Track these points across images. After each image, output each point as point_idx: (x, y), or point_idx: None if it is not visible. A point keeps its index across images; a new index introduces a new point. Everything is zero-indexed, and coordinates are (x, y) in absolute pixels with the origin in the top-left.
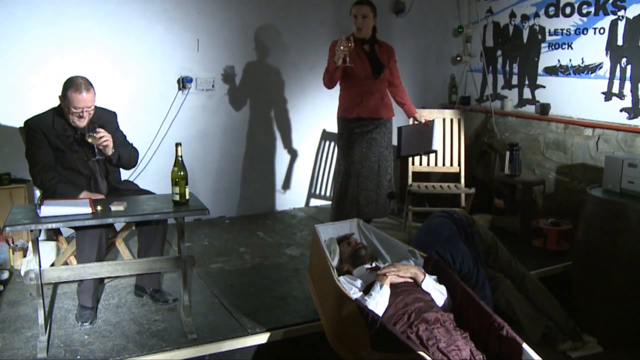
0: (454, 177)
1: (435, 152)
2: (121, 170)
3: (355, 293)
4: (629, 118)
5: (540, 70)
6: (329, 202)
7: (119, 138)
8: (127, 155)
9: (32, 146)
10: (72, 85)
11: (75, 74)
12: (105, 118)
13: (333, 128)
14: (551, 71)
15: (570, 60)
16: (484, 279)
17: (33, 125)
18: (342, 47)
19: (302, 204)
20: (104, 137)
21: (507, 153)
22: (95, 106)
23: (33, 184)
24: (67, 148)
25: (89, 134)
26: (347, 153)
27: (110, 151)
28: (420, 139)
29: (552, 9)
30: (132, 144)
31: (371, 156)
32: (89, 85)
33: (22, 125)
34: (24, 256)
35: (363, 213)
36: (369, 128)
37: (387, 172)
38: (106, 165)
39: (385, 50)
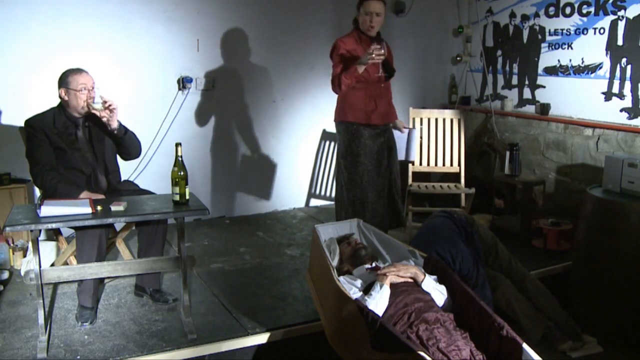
0: (454, 177)
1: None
2: (121, 170)
3: (355, 293)
4: (629, 118)
5: (540, 70)
6: (329, 202)
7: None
8: (132, 135)
9: (32, 146)
10: (69, 70)
11: None
12: None
13: (333, 128)
14: (551, 71)
15: (570, 60)
16: (484, 279)
17: (34, 125)
18: (374, 55)
19: (302, 204)
20: (109, 101)
21: (507, 153)
22: None
23: (33, 183)
24: (68, 147)
25: (92, 105)
26: (359, 161)
27: (115, 122)
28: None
29: (552, 9)
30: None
31: (384, 162)
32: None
33: (22, 125)
34: (24, 256)
35: (386, 225)
36: (378, 133)
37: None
38: (106, 164)
39: (387, 50)
